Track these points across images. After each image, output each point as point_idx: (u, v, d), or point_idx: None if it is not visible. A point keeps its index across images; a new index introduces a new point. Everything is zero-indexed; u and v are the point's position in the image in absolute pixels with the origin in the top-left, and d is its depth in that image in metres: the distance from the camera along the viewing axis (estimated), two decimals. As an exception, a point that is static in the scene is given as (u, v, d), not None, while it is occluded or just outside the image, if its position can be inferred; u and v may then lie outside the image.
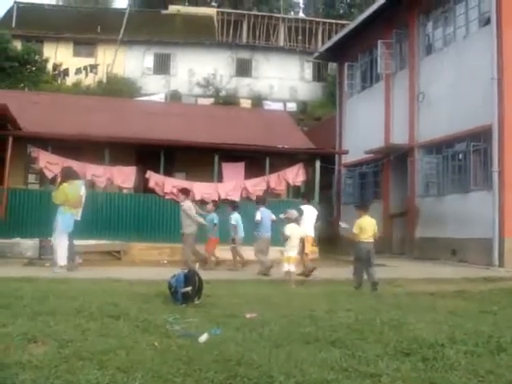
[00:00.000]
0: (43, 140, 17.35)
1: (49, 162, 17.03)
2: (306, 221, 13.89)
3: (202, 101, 33.53)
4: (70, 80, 35.85)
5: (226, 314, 7.33)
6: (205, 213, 15.34)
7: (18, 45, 32.93)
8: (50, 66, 34.90)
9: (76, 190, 13.51)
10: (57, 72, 35.75)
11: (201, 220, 14.76)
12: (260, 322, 6.86)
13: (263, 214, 14.65)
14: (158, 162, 17.86)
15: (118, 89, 33.34)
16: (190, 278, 8.22)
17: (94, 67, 36.93)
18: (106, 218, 16.74)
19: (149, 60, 38.03)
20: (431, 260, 17.93)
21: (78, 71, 36.36)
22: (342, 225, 13.78)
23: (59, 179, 14.32)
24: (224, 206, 16.46)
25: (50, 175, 16.69)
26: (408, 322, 6.99)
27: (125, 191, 18.17)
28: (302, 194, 16.39)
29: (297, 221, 12.81)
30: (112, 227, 15.48)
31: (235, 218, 15.34)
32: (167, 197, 17.46)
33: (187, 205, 14.67)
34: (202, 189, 17.80)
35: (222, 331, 6.22)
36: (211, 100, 34.43)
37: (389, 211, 21.80)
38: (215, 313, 7.49)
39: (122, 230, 15.91)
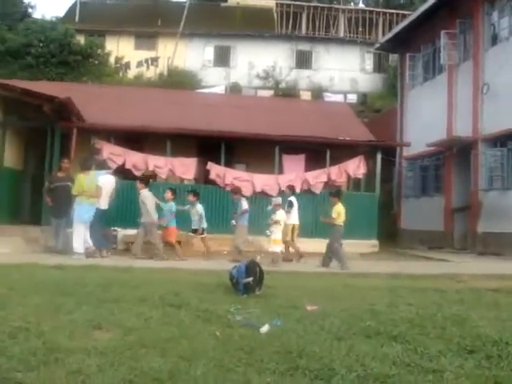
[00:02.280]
0: (106, 132, 17.66)
1: (112, 153, 17.32)
2: (295, 211, 15.23)
3: (261, 93, 33.55)
4: (132, 73, 36.43)
5: (286, 306, 7.34)
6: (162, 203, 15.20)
7: (81, 39, 33.58)
8: (112, 60, 35.50)
9: (93, 180, 13.97)
10: (119, 65, 36.34)
11: (152, 212, 14.62)
12: (321, 314, 6.84)
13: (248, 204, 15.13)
14: (219, 154, 17.96)
15: (178, 81, 33.62)
16: (252, 268, 8.25)
17: (154, 60, 37.39)
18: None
19: (209, 52, 38.26)
20: (494, 255, 17.54)
21: (140, 64, 36.89)
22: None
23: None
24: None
25: (113, 166, 16.98)
26: (471, 318, 6.83)
27: (186, 182, 18.34)
28: (287, 186, 16.48)
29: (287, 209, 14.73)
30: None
31: (200, 208, 15.19)
32: (228, 188, 17.53)
33: (144, 194, 14.68)
34: (262, 180, 17.83)
35: (283, 322, 6.22)
36: (271, 92, 34.42)
37: (450, 205, 21.42)
38: (276, 304, 7.50)
39: (183, 221, 16.02)
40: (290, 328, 6.00)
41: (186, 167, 17.80)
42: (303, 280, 10.82)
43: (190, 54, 37.82)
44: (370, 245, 17.95)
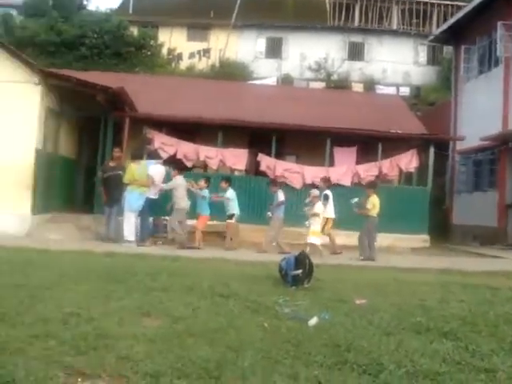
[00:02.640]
0: (158, 122, 17.81)
1: (163, 143, 17.47)
2: (331, 204, 15.04)
3: (313, 85, 33.27)
4: (184, 64, 36.60)
5: (335, 299, 7.31)
6: (195, 189, 15.15)
7: (134, 30, 33.87)
8: (164, 51, 35.77)
9: (143, 169, 14.21)
10: (171, 56, 36.57)
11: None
12: (369, 308, 6.79)
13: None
14: (270, 145, 17.93)
15: (230, 72, 33.68)
16: (301, 260, 8.24)
17: (206, 51, 37.49)
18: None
19: (261, 44, 38.19)
20: (549, 253, 17.11)
21: (192, 55, 37.03)
22: (354, 200, 14.50)
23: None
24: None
25: (164, 156, 17.15)
26: (524, 316, 6.69)
27: (236, 173, 18.38)
28: (322, 178, 16.27)
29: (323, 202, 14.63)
30: (222, 209, 15.69)
31: (231, 193, 15.26)
32: (280, 180, 17.52)
33: (177, 181, 14.75)
34: (312, 172, 17.71)
35: (331, 316, 6.19)
36: (323, 84, 34.13)
37: (504, 201, 20.96)
38: (324, 297, 7.48)
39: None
40: (339, 322, 5.97)
41: (236, 158, 17.84)
42: (352, 273, 10.76)
43: (241, 46, 37.81)
44: (421, 240, 17.70)
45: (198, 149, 17.74)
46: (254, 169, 18.72)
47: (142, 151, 15.89)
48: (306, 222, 14.06)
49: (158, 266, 9.76)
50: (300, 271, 8.11)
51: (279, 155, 18.48)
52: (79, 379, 4.00)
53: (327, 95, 25.65)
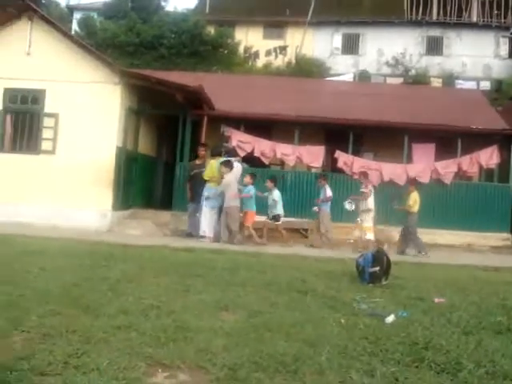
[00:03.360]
0: (235, 119, 17.95)
1: (241, 141, 17.60)
2: (372, 198, 14.73)
3: (390, 80, 32.88)
4: (261, 62, 36.76)
5: (413, 297, 7.24)
6: (242, 186, 14.82)
7: (211, 30, 34.29)
8: (241, 49, 36.05)
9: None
10: (248, 54, 36.82)
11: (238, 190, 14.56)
12: (448, 307, 6.69)
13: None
14: (346, 142, 17.78)
15: (307, 69, 33.65)
16: (379, 257, 8.20)
17: (283, 49, 37.60)
18: (295, 196, 17.05)
19: (337, 40, 37.94)
20: None
21: (268, 53, 37.20)
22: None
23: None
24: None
25: (242, 153, 17.28)
26: None
27: (313, 170, 18.35)
28: (361, 172, 15.84)
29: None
30: (300, 205, 15.71)
31: (277, 194, 14.92)
32: (355, 177, 17.37)
33: (229, 178, 14.33)
34: (390, 170, 17.49)
35: (409, 313, 6.13)
36: (400, 79, 33.64)
37: None
38: (402, 294, 7.42)
39: (309, 209, 16.06)
40: (416, 319, 5.92)
41: (313, 155, 17.77)
42: (431, 271, 10.61)
43: (318, 43, 37.65)
44: (502, 238, 17.21)
45: (275, 146, 17.79)
46: (331, 165, 18.63)
47: (221, 148, 16.08)
48: (358, 219, 14.03)
49: (236, 261, 9.87)
50: (377, 268, 8.07)
51: (356, 152, 18.30)
52: (159, 370, 4.12)
53: (405, 91, 25.23)
